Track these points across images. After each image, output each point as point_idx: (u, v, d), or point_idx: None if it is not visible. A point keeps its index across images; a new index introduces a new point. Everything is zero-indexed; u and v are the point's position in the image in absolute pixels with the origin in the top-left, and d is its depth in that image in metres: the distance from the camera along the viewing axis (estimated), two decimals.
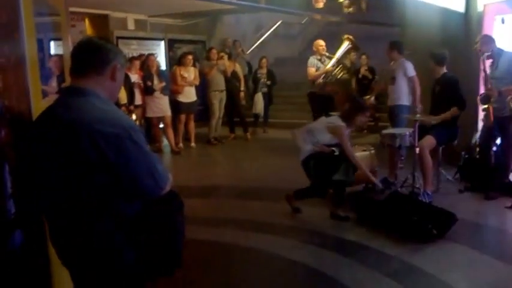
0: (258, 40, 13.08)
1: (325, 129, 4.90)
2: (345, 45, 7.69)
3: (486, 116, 5.28)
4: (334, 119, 4.98)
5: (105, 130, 1.77)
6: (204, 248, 4.29)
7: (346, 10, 10.91)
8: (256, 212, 5.26)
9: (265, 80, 9.96)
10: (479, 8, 6.37)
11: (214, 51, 9.28)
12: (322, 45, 7.87)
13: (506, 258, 3.91)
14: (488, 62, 5.26)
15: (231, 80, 9.30)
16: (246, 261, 4.09)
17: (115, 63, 1.96)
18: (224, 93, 9.15)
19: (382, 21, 11.49)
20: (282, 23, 13.41)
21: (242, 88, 9.58)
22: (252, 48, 12.57)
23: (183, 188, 6.19)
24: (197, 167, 7.76)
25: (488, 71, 5.20)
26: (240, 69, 9.66)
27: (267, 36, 13.26)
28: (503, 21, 5.83)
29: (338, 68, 7.71)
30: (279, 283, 3.71)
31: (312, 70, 7.77)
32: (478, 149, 5.71)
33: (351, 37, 7.73)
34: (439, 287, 3.48)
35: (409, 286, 3.49)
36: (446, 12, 6.72)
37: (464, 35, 6.44)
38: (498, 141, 5.41)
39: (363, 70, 9.56)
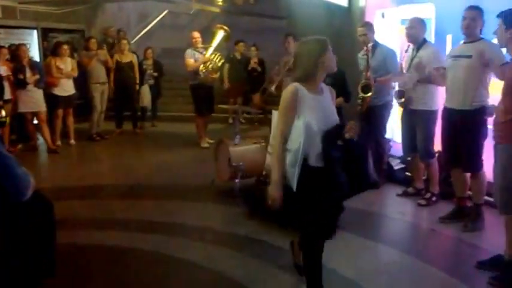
0: (144, 30, 12.60)
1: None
2: (220, 34, 7.66)
3: (361, 105, 5.36)
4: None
5: None
6: (87, 253, 4.01)
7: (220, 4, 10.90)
8: (143, 211, 4.98)
9: (152, 71, 9.59)
10: (361, 2, 6.59)
11: (93, 40, 8.80)
12: (195, 38, 7.77)
13: (390, 243, 4.12)
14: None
15: (127, 71, 8.86)
16: (133, 264, 3.83)
17: None
18: (106, 85, 8.70)
19: (270, 14, 11.63)
20: (168, 12, 13.05)
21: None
22: (136, 38, 12.08)
23: (62, 189, 5.77)
24: (78, 166, 7.25)
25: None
26: (136, 60, 9.22)
27: (153, 26, 12.83)
28: (383, 16, 6.06)
29: (216, 56, 7.64)
30: (169, 284, 3.53)
31: (190, 61, 7.65)
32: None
33: (224, 27, 7.72)
34: (328, 275, 3.47)
35: (301, 277, 3.45)
36: (331, 6, 6.90)
37: (348, 28, 6.62)
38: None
39: (253, 62, 9.55)
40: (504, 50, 3.75)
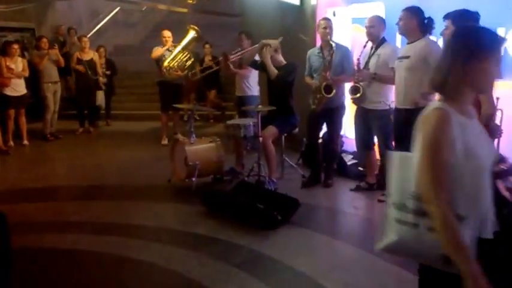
0: (95, 27, 12.37)
1: None
2: (191, 35, 7.57)
3: (317, 105, 5.36)
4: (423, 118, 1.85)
5: None
6: (41, 257, 3.94)
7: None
8: (99, 213, 4.94)
9: (105, 70, 9.47)
10: (313, 1, 6.68)
11: (44, 40, 8.63)
12: (165, 37, 7.65)
13: (345, 238, 4.21)
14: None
15: (88, 69, 8.80)
16: (90, 267, 3.80)
17: None
18: (58, 84, 8.62)
19: (223, 11, 11.65)
20: (120, 9, 12.87)
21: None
22: (89, 36, 11.83)
23: (16, 192, 5.66)
24: (32, 167, 7.06)
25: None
26: (98, 58, 9.11)
27: (105, 24, 12.61)
28: (334, 14, 6.16)
29: (184, 54, 7.56)
30: (127, 287, 3.52)
31: (157, 49, 7.61)
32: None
33: (196, 27, 7.62)
34: (285, 273, 3.59)
35: (258, 275, 3.52)
36: (283, 4, 7.00)
37: (301, 26, 6.74)
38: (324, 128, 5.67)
39: (207, 60, 9.53)
40: None
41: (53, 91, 8.48)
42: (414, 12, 4.22)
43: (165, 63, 7.47)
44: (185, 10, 11.81)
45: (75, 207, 5.18)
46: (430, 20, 4.24)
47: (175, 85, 7.76)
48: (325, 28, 5.28)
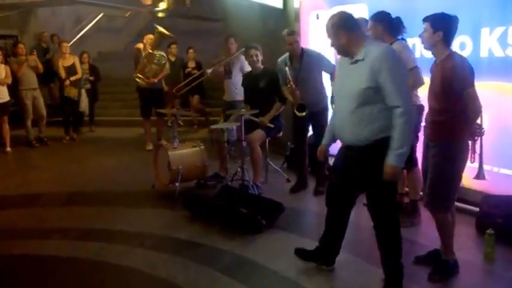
0: (79, 33, 12.31)
1: None
2: (156, 36, 7.20)
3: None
4: None
5: None
6: (24, 263, 3.92)
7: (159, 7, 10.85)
8: (82, 219, 4.89)
9: (88, 75, 9.40)
10: (296, 4, 6.66)
11: (21, 46, 8.59)
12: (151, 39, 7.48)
13: None
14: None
15: (68, 76, 8.73)
16: (73, 273, 3.76)
17: None
18: (38, 91, 8.56)
19: (206, 16, 11.66)
20: (104, 15, 12.81)
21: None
22: (72, 42, 11.76)
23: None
24: (16, 174, 6.99)
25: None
26: (78, 64, 9.03)
27: (88, 30, 12.56)
28: (318, 17, 6.16)
29: (155, 57, 7.37)
30: None
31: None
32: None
33: (159, 27, 7.17)
34: (270, 277, 3.57)
35: (242, 280, 3.50)
36: (266, 8, 6.98)
37: (283, 30, 6.72)
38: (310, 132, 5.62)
39: (190, 65, 9.49)
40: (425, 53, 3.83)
41: (31, 97, 8.40)
42: (378, 19, 4.12)
43: (136, 73, 7.36)
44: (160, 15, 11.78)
45: (58, 213, 5.13)
46: (398, 19, 4.16)
47: (155, 90, 7.64)
48: (291, 44, 5.18)
